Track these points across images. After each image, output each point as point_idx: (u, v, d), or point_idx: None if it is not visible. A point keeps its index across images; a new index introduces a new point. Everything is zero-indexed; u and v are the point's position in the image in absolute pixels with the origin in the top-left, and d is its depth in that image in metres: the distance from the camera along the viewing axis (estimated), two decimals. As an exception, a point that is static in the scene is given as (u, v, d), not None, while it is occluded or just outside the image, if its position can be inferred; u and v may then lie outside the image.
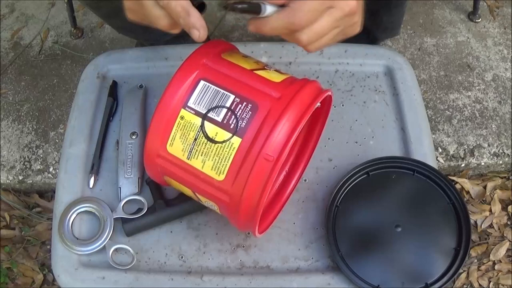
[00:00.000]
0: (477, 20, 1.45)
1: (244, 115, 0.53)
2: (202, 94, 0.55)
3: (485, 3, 1.49)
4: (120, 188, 0.69)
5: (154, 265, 0.66)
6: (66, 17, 1.46)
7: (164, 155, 0.56)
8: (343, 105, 0.78)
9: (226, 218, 0.69)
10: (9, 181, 1.25)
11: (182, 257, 0.67)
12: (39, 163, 1.25)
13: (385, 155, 0.70)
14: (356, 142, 0.75)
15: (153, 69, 0.82)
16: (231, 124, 0.53)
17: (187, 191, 0.60)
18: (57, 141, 1.28)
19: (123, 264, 0.65)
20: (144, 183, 0.70)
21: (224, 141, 0.53)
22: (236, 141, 0.53)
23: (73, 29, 1.46)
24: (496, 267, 1.21)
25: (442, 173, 0.68)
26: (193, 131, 0.54)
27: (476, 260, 1.23)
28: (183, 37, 1.17)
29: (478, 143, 1.26)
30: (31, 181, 1.25)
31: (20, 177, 1.24)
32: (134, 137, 0.72)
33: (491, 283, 1.20)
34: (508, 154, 1.25)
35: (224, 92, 0.55)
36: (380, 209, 0.67)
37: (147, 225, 0.67)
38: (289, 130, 0.52)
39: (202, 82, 0.56)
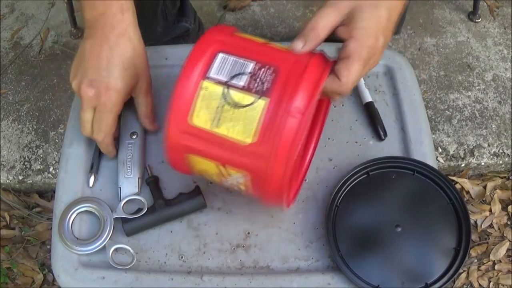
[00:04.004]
0: (477, 20, 1.45)
1: (267, 77, 0.54)
2: (222, 65, 0.55)
3: (485, 3, 1.49)
4: (120, 188, 0.69)
5: (154, 265, 0.66)
6: (66, 17, 1.46)
7: (188, 129, 0.55)
8: (343, 105, 0.78)
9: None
10: (9, 181, 1.25)
11: (182, 257, 0.67)
12: (39, 163, 1.25)
13: (385, 155, 0.70)
14: (356, 142, 0.75)
15: (153, 69, 0.81)
16: (254, 88, 0.53)
17: (212, 168, 0.58)
18: (57, 141, 1.28)
19: (123, 264, 0.65)
20: (144, 183, 0.70)
21: (249, 104, 0.53)
22: (262, 102, 0.53)
23: (73, 29, 1.46)
24: (496, 267, 1.21)
25: (442, 173, 0.68)
26: (216, 99, 0.54)
27: (476, 260, 1.23)
28: (183, 37, 1.18)
29: (478, 143, 1.26)
30: (31, 181, 1.25)
31: (20, 177, 1.24)
32: (134, 137, 0.72)
33: (491, 283, 1.20)
34: (508, 154, 1.25)
35: (244, 61, 0.55)
36: (380, 209, 0.67)
37: (147, 225, 0.67)
38: (313, 85, 0.53)
39: (220, 55, 0.56)
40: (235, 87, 0.54)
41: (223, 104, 0.54)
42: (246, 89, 0.54)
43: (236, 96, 0.54)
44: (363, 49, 0.54)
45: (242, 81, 0.54)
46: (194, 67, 0.56)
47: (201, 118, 0.55)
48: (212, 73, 0.55)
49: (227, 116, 0.54)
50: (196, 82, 0.55)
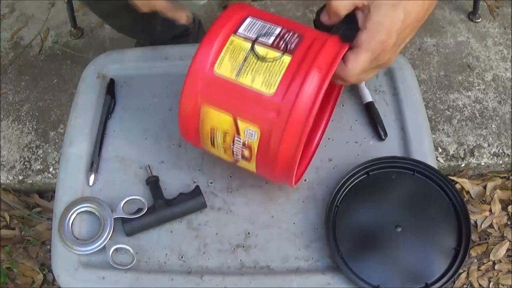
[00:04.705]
0: (477, 20, 1.45)
1: (292, 40, 0.56)
2: (250, 26, 0.58)
3: (485, 3, 1.49)
4: None
5: (154, 265, 0.66)
6: (66, 17, 1.46)
7: (210, 76, 0.57)
8: (343, 105, 0.78)
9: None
10: (9, 181, 1.25)
11: (182, 257, 0.67)
12: (39, 163, 1.25)
13: (385, 155, 0.70)
14: (356, 142, 0.75)
15: (153, 69, 0.82)
16: (281, 46, 0.56)
17: (224, 124, 0.58)
18: (57, 141, 1.28)
19: (123, 264, 0.65)
20: None
21: (274, 59, 0.55)
22: (287, 58, 0.55)
23: (73, 29, 1.46)
24: (496, 267, 1.21)
25: (442, 173, 0.68)
26: (243, 53, 0.56)
27: (476, 260, 1.23)
28: (183, 37, 1.18)
29: (478, 143, 1.26)
30: (31, 181, 1.25)
31: (20, 177, 1.24)
32: None
33: (491, 283, 1.20)
34: (508, 154, 1.25)
35: (271, 25, 0.58)
36: (380, 209, 0.67)
37: (147, 225, 0.67)
38: (336, 50, 0.56)
39: (249, 18, 0.59)
40: (262, 44, 0.56)
41: (249, 57, 0.56)
42: (272, 47, 0.56)
43: (263, 51, 0.56)
44: (372, 41, 0.56)
45: (269, 40, 0.57)
46: (223, 25, 0.58)
47: (224, 67, 0.56)
48: (241, 30, 0.57)
49: (252, 68, 0.55)
50: (224, 36, 0.57)
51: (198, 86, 0.57)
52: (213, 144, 0.61)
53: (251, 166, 0.61)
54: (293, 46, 0.56)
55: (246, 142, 0.58)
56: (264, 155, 0.58)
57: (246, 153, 0.59)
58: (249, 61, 0.56)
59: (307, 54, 0.55)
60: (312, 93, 0.53)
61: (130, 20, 1.02)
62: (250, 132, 0.57)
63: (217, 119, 0.58)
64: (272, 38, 0.57)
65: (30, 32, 1.49)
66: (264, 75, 0.55)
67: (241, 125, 0.57)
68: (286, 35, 0.57)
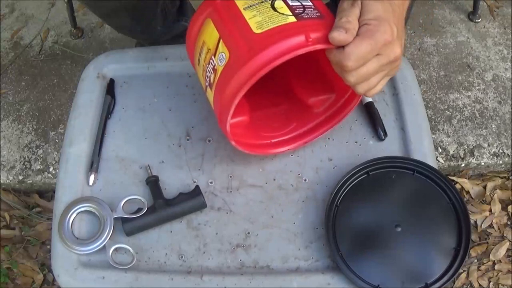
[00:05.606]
0: (477, 20, 1.45)
1: (311, 15, 0.59)
2: None
3: (485, 3, 1.49)
4: None
5: (154, 264, 0.66)
6: (66, 17, 1.46)
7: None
8: (343, 105, 0.78)
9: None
10: (9, 181, 1.25)
11: (182, 257, 0.67)
12: (39, 163, 1.25)
13: (385, 155, 0.70)
14: (356, 142, 0.75)
15: (153, 69, 0.82)
16: (296, 10, 0.59)
17: (211, 40, 0.62)
18: (57, 141, 1.28)
19: (123, 264, 0.65)
20: None
21: (282, 14, 0.59)
22: (292, 19, 0.58)
23: (73, 29, 1.46)
24: (496, 267, 1.21)
25: (442, 173, 0.68)
26: None
27: (476, 260, 1.23)
28: (183, 37, 1.17)
29: (478, 143, 1.26)
30: (31, 181, 1.25)
31: (20, 177, 1.24)
32: None
33: (491, 283, 1.20)
34: (508, 154, 1.25)
35: None
36: (380, 209, 0.67)
37: (147, 224, 0.68)
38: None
39: None
40: (285, 1, 0.60)
41: (265, 1, 0.60)
42: (290, 7, 0.59)
43: (279, 4, 0.60)
44: (374, 32, 0.55)
45: (293, 2, 0.60)
46: None
47: (240, 0, 0.62)
48: None
49: (259, 9, 0.60)
50: None
51: (217, 1, 0.62)
52: (198, 61, 0.65)
53: (211, 97, 0.64)
54: (306, 17, 0.58)
55: (215, 66, 0.61)
56: (220, 84, 0.60)
57: (212, 77, 0.62)
58: (263, 4, 0.60)
59: (310, 26, 0.57)
60: (284, 50, 0.55)
61: (130, 20, 1.02)
62: (222, 56, 0.60)
63: (210, 35, 0.63)
64: (296, 3, 0.60)
65: (30, 32, 1.49)
66: (263, 18, 0.58)
67: (220, 47, 0.61)
68: (309, 9, 0.60)
